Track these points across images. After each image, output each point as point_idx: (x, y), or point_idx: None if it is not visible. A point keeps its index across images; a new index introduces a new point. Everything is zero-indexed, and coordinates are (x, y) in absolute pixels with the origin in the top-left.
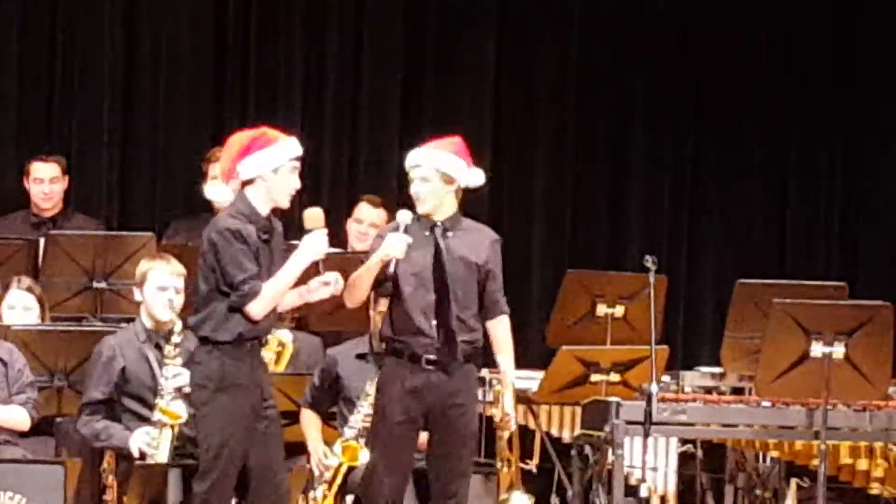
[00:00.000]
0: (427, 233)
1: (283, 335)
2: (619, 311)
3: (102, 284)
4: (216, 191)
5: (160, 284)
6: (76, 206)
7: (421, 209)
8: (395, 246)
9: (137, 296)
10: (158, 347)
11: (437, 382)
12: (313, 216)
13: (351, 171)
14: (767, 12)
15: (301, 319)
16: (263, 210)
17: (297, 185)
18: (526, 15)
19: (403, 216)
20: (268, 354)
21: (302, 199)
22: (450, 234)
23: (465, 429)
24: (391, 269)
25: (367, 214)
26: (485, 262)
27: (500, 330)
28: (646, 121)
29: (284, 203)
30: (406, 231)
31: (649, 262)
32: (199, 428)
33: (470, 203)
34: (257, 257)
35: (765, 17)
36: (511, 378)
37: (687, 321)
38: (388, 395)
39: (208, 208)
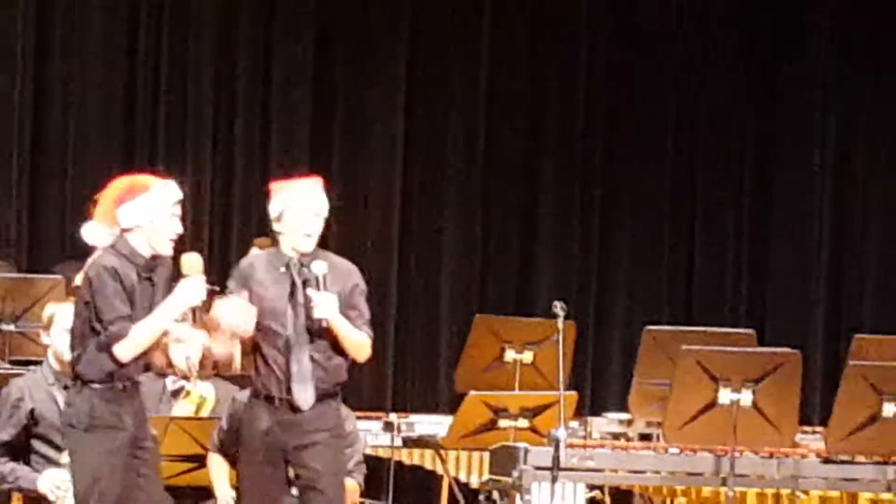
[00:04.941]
0: (283, 269)
1: (204, 389)
2: (527, 356)
3: (11, 327)
4: (94, 234)
5: (67, 327)
6: None
7: (310, 247)
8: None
9: (45, 339)
10: (67, 389)
11: (294, 421)
12: (190, 262)
13: (262, 213)
14: (676, 58)
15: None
16: (145, 252)
17: (178, 229)
18: (435, 57)
19: (319, 267)
20: (188, 407)
21: (212, 241)
22: (306, 270)
23: (327, 465)
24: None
25: None
26: (339, 297)
27: None
28: (555, 167)
29: (165, 250)
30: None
31: (558, 308)
32: (72, 470)
33: (380, 249)
34: (132, 299)
35: (671, 64)
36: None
37: (595, 367)
38: (246, 438)
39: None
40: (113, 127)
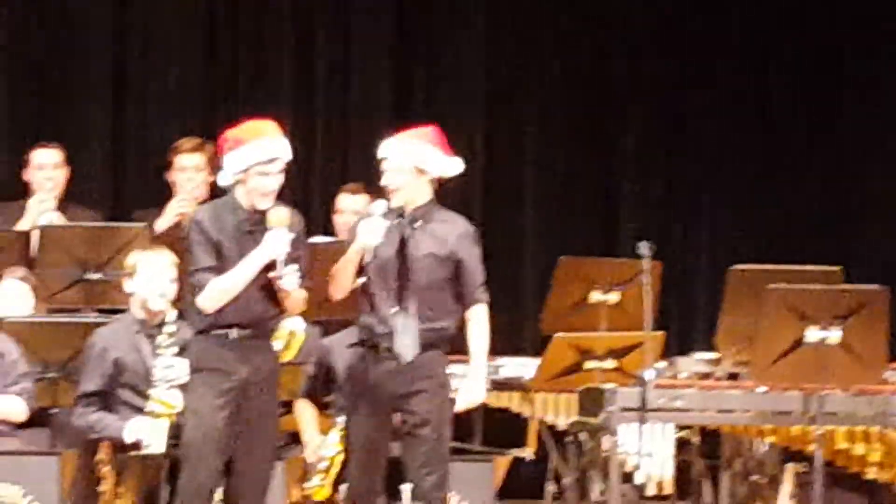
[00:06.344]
0: (395, 223)
1: (294, 324)
2: (613, 297)
3: (96, 276)
4: (222, 178)
5: (151, 275)
6: (69, 199)
7: (393, 202)
8: (368, 234)
9: (128, 287)
10: (151, 337)
11: (399, 370)
12: (275, 215)
13: (343, 164)
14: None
15: None
16: (245, 204)
17: (271, 186)
18: (514, 7)
19: (377, 206)
20: (277, 343)
21: (295, 194)
22: (417, 224)
23: (430, 413)
24: (367, 258)
25: (346, 204)
26: (451, 253)
27: (472, 322)
28: (637, 105)
29: (260, 203)
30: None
31: (644, 248)
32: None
33: (463, 192)
34: (221, 250)
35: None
36: (474, 367)
37: (682, 307)
38: (354, 388)
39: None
40: (193, 78)
